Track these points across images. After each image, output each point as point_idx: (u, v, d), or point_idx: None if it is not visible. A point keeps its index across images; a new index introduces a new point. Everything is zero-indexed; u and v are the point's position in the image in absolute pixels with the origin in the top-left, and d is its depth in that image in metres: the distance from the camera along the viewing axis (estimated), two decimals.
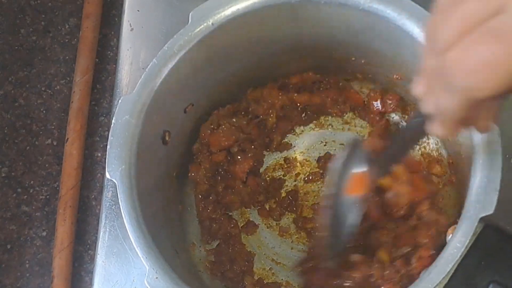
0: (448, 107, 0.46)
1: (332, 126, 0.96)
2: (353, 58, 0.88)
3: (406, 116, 0.92)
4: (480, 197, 0.67)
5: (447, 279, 0.70)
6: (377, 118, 0.93)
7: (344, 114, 0.95)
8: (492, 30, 0.40)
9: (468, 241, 0.66)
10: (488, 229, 0.73)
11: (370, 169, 0.73)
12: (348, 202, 0.74)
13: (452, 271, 0.70)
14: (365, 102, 0.94)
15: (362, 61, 0.88)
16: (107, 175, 0.74)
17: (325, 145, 0.95)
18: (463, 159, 0.77)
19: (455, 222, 0.71)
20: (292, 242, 0.92)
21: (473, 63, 0.41)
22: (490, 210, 0.66)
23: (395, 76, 0.87)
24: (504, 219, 0.76)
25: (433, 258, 0.81)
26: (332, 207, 0.76)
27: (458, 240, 0.66)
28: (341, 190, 0.75)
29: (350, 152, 0.76)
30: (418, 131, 0.65)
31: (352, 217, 0.75)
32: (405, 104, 0.91)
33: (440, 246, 0.80)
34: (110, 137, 0.75)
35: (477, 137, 0.69)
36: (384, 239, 0.85)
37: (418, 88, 0.52)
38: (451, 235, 0.70)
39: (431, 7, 0.73)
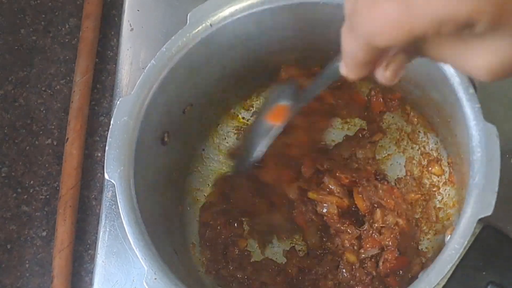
0: (351, 49, 0.50)
1: (331, 125, 0.95)
2: None
3: (406, 116, 0.92)
4: (479, 198, 0.67)
5: (446, 280, 0.70)
6: (377, 118, 0.93)
7: (349, 119, 0.95)
8: None
9: (466, 242, 0.66)
10: (486, 230, 0.73)
11: (291, 103, 0.75)
12: (263, 127, 0.77)
13: (451, 272, 0.70)
14: (367, 103, 0.94)
15: None
16: (106, 176, 0.74)
17: (324, 144, 0.95)
18: (462, 159, 0.77)
19: (451, 224, 0.71)
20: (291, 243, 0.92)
21: (377, 13, 0.44)
22: (488, 211, 0.66)
23: None
24: (503, 220, 0.75)
25: (399, 260, 0.82)
26: (251, 129, 0.79)
27: (457, 241, 0.66)
28: (263, 116, 0.78)
29: (284, 87, 0.78)
30: (333, 72, 0.64)
31: (262, 142, 0.77)
32: (405, 103, 0.91)
33: (439, 248, 0.80)
34: (108, 139, 0.75)
35: (476, 138, 0.69)
36: (347, 243, 0.87)
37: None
38: (449, 236, 0.70)
39: None
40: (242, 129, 0.91)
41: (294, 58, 0.90)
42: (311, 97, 0.73)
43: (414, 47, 0.47)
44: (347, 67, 0.53)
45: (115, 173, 0.74)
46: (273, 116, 0.76)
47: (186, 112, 0.85)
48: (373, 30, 0.45)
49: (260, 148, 0.77)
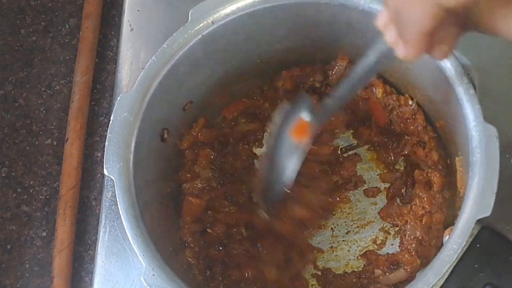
0: (415, 17, 0.51)
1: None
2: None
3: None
4: (478, 199, 0.67)
5: (443, 281, 0.70)
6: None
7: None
8: None
9: (464, 242, 0.66)
10: (484, 231, 0.73)
11: (313, 119, 0.74)
12: (290, 145, 0.75)
13: (448, 273, 0.70)
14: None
15: None
16: (105, 172, 0.73)
17: None
18: (461, 160, 0.77)
19: (452, 223, 0.71)
20: None
21: None
22: (487, 212, 0.66)
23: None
24: (501, 221, 0.76)
25: None
26: (272, 148, 0.77)
27: (455, 242, 0.66)
28: (284, 132, 0.76)
29: (298, 101, 0.78)
30: (366, 73, 0.67)
31: (292, 162, 0.75)
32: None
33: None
34: (108, 134, 0.75)
35: (476, 139, 0.69)
36: None
37: (381, 19, 0.59)
38: (448, 236, 0.70)
39: None
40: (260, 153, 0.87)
41: (294, 58, 0.90)
42: (342, 103, 0.73)
43: (470, 15, 0.50)
44: (408, 44, 0.55)
45: (114, 169, 0.74)
46: (297, 132, 0.75)
47: (186, 109, 0.85)
48: None
49: (292, 170, 0.75)
